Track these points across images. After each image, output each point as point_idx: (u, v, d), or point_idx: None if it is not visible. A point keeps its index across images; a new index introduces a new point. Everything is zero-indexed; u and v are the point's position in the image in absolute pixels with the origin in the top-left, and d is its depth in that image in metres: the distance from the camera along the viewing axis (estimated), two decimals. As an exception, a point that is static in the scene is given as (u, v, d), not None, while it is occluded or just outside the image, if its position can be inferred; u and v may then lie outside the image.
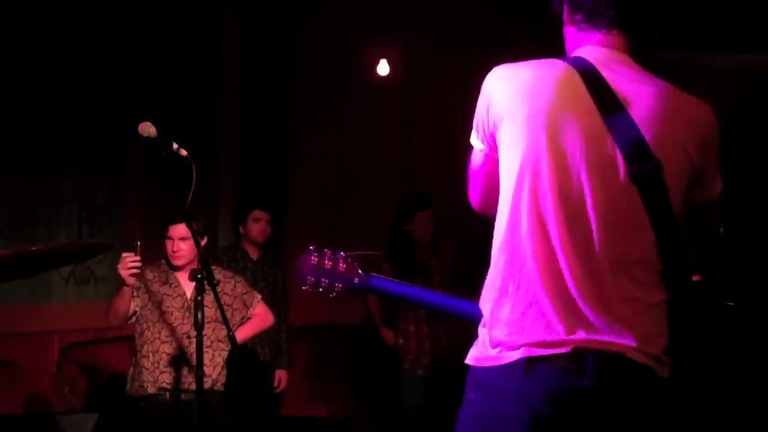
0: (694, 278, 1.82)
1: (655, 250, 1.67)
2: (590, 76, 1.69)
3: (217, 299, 3.12)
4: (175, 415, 3.57)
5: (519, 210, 1.68)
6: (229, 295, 3.82)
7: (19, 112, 5.10)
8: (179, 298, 3.70)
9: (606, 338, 1.63)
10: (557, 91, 1.68)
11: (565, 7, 1.82)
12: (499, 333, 1.69)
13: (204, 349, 3.14)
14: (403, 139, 6.32)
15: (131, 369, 3.71)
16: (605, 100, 1.67)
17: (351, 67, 6.21)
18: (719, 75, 5.46)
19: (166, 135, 2.97)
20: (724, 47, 5.42)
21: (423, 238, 4.61)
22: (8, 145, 5.08)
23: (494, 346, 1.70)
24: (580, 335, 1.63)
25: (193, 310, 3.13)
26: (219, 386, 3.72)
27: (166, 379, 3.59)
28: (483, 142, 1.80)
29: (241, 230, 4.76)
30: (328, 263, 2.14)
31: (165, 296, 3.69)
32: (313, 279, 2.13)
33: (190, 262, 3.65)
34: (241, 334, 3.80)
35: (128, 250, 3.38)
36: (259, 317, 3.98)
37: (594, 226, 1.64)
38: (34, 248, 2.81)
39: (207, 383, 3.58)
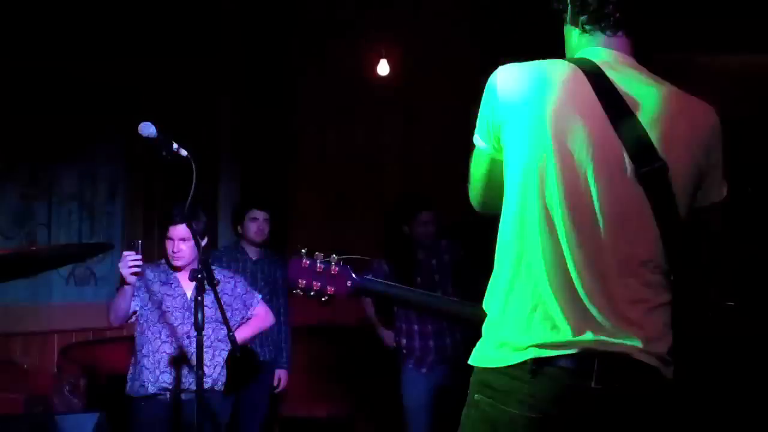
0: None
1: (661, 250, 1.67)
2: (596, 77, 1.69)
3: (217, 299, 3.12)
4: (175, 414, 3.57)
5: (525, 210, 1.68)
6: (229, 295, 3.82)
7: (19, 112, 5.10)
8: (179, 298, 3.70)
9: (613, 339, 1.63)
10: (563, 91, 1.68)
11: (569, 7, 1.81)
12: (505, 333, 1.69)
13: (204, 349, 3.13)
14: (403, 139, 6.32)
15: (131, 369, 3.71)
16: (612, 101, 1.68)
17: (351, 67, 6.21)
18: (719, 75, 5.46)
19: (166, 135, 2.97)
20: (724, 47, 5.42)
21: (424, 239, 4.60)
22: (8, 145, 5.08)
23: (500, 346, 1.70)
24: (587, 336, 1.63)
25: (193, 310, 3.13)
26: (219, 386, 3.72)
27: (166, 378, 3.59)
28: (486, 142, 1.79)
29: (240, 230, 4.77)
30: (320, 267, 2.12)
31: (165, 296, 3.69)
32: (304, 282, 2.11)
33: (191, 263, 3.65)
34: (241, 334, 3.80)
35: (129, 250, 3.38)
36: (259, 317, 3.98)
37: (601, 226, 1.64)
38: (34, 248, 2.81)
39: (207, 383, 3.58)
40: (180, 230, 3.62)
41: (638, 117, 1.67)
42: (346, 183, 6.33)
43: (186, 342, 3.60)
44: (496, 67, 1.78)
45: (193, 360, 3.32)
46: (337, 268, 2.13)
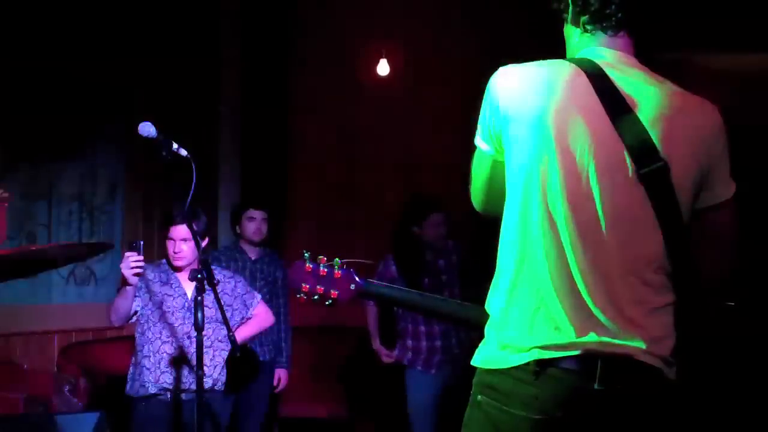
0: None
1: (663, 251, 1.67)
2: (597, 77, 1.69)
3: (217, 299, 3.12)
4: (175, 414, 3.57)
5: (528, 211, 1.68)
6: (229, 295, 3.82)
7: (19, 112, 5.10)
8: (180, 298, 3.70)
9: (616, 340, 1.62)
10: (564, 91, 1.68)
11: (569, 7, 1.81)
12: (508, 335, 1.69)
13: (204, 349, 3.13)
14: (403, 139, 6.32)
15: (132, 369, 3.71)
16: (612, 100, 1.67)
17: (351, 67, 6.21)
18: (719, 75, 5.46)
19: (166, 135, 2.97)
20: (725, 47, 5.42)
21: (434, 240, 4.59)
22: (8, 144, 5.08)
23: (502, 347, 1.69)
24: (591, 337, 1.63)
25: (193, 311, 3.12)
26: (219, 386, 3.72)
27: (167, 379, 3.59)
28: (488, 143, 1.79)
29: (238, 230, 4.78)
30: (323, 270, 2.11)
31: (166, 296, 3.69)
32: (308, 286, 2.10)
33: (191, 263, 3.65)
34: (241, 334, 3.80)
35: (131, 250, 3.38)
36: (259, 317, 3.98)
37: (603, 227, 1.64)
38: (34, 248, 2.82)
39: (207, 383, 3.58)
40: (181, 230, 3.62)
41: (639, 117, 1.67)
42: (346, 183, 6.33)
43: (186, 342, 3.60)
44: (496, 68, 1.78)
45: (194, 360, 3.32)
46: (340, 272, 2.12)
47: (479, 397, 1.72)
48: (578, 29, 1.81)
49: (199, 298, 3.00)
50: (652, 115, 1.67)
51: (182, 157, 2.99)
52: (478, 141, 1.82)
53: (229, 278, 3.89)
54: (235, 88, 6.15)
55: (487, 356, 1.73)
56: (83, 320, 5.24)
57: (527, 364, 1.65)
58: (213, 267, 3.18)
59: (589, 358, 1.62)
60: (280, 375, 4.74)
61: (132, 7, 5.46)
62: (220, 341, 3.69)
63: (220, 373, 3.71)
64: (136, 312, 3.65)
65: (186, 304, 3.67)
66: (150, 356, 3.60)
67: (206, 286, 3.01)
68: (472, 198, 1.94)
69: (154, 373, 3.58)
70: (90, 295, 5.44)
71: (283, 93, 6.25)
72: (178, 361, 3.60)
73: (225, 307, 3.25)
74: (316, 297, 2.11)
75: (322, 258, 2.14)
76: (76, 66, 5.28)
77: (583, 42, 1.80)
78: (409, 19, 6.07)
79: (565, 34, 1.86)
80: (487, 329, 1.75)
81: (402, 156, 6.34)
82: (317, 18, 6.26)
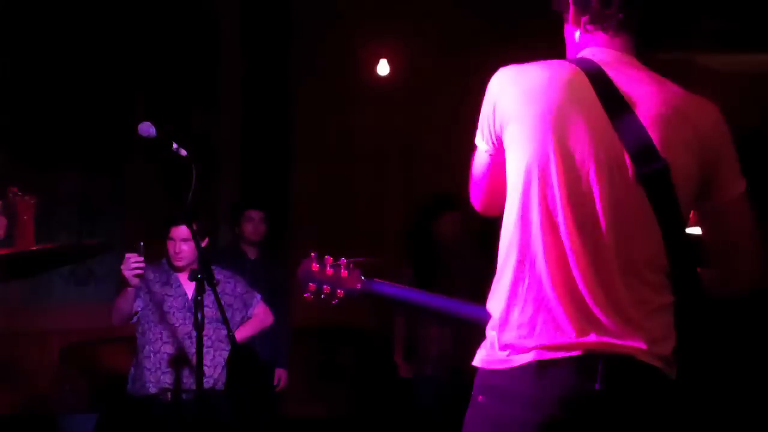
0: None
1: (663, 251, 1.67)
2: (597, 77, 1.69)
3: (217, 299, 3.12)
4: (175, 414, 3.57)
5: (528, 211, 1.68)
6: (230, 295, 3.82)
7: (19, 112, 5.10)
8: (180, 298, 3.70)
9: (617, 341, 1.62)
10: (564, 92, 1.68)
11: (570, 7, 1.80)
12: (509, 335, 1.68)
13: (205, 349, 3.14)
14: (403, 139, 6.32)
15: (132, 369, 3.71)
16: (612, 101, 1.67)
17: (351, 67, 6.21)
18: (719, 75, 5.46)
19: (166, 135, 2.97)
20: (725, 47, 5.42)
21: (449, 239, 4.57)
22: (8, 144, 5.08)
23: (503, 348, 1.69)
24: (591, 337, 1.62)
25: (193, 310, 3.13)
26: (219, 386, 3.72)
27: (167, 379, 3.59)
28: (488, 144, 1.79)
29: (237, 231, 4.78)
30: (329, 270, 2.15)
31: (166, 297, 3.69)
32: (315, 286, 2.14)
33: (192, 263, 3.65)
34: (241, 334, 3.80)
35: (131, 251, 3.38)
36: (259, 317, 3.98)
37: (603, 227, 1.64)
38: (34, 248, 2.81)
39: (208, 383, 3.59)
40: (182, 231, 3.62)
41: (639, 118, 1.66)
42: (347, 183, 6.32)
43: (187, 342, 3.60)
44: (496, 68, 1.78)
45: (194, 360, 3.32)
46: (346, 272, 2.15)
47: (480, 397, 1.72)
48: (579, 29, 1.81)
49: (199, 298, 3.00)
50: (652, 115, 1.67)
51: (182, 157, 3.00)
52: (479, 141, 1.82)
53: (229, 278, 3.89)
54: (235, 88, 6.15)
55: (487, 357, 1.73)
56: (83, 320, 5.23)
57: (528, 364, 1.64)
58: (213, 267, 3.19)
59: (590, 359, 1.62)
60: (280, 375, 4.74)
61: (132, 7, 5.46)
62: (220, 341, 3.69)
63: (220, 373, 3.71)
64: (136, 312, 3.65)
65: (186, 304, 3.68)
66: (150, 357, 3.61)
67: (206, 286, 3.02)
68: (472, 198, 1.95)
69: (154, 374, 3.59)
70: (90, 295, 5.44)
71: (282, 93, 6.24)
72: (179, 361, 3.60)
73: (225, 307, 3.25)
74: (322, 296, 2.14)
75: (329, 258, 2.16)
76: (76, 66, 5.28)
77: (584, 42, 1.80)
78: (409, 19, 6.06)
79: (566, 34, 1.86)
80: (488, 330, 1.75)
81: (402, 156, 6.34)
82: (317, 18, 6.26)
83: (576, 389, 1.62)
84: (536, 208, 1.66)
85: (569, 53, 1.85)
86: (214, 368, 3.68)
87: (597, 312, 1.63)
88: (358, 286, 2.15)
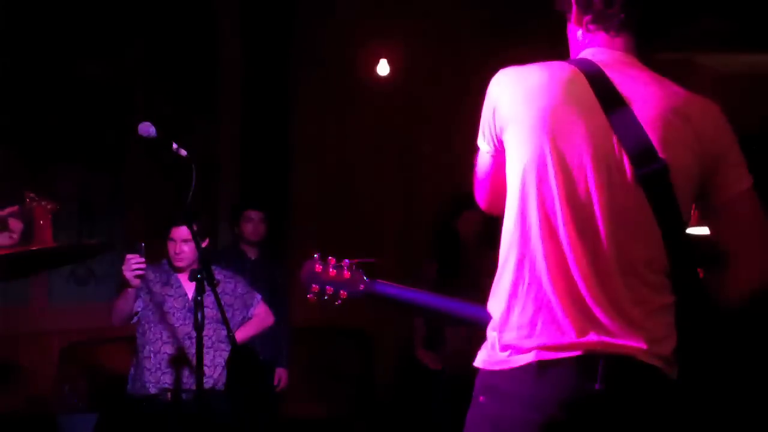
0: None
1: (663, 251, 1.67)
2: (596, 77, 1.69)
3: (218, 299, 3.12)
4: (175, 415, 3.57)
5: (527, 212, 1.68)
6: (230, 295, 3.82)
7: (18, 111, 5.09)
8: (180, 298, 3.70)
9: (617, 341, 1.63)
10: (563, 93, 1.68)
11: (573, 7, 1.81)
12: (509, 336, 1.69)
13: (205, 350, 3.14)
14: (403, 140, 6.32)
15: (132, 369, 3.71)
16: (611, 102, 1.67)
17: (351, 67, 6.21)
18: (719, 75, 5.46)
19: (166, 135, 2.97)
20: (725, 47, 5.42)
21: (471, 237, 4.60)
22: (8, 144, 5.08)
23: (504, 349, 1.69)
24: (591, 338, 1.63)
25: (194, 311, 3.13)
26: (220, 386, 3.72)
27: (167, 379, 3.59)
28: (490, 145, 1.80)
29: (237, 231, 4.79)
30: (332, 271, 2.16)
31: (166, 297, 3.69)
32: (318, 287, 2.16)
33: (192, 263, 3.66)
34: (242, 334, 3.80)
35: (132, 252, 3.38)
36: (259, 317, 3.99)
37: (602, 228, 1.64)
38: (34, 248, 2.81)
39: (208, 383, 3.59)
40: (182, 231, 3.62)
41: (638, 118, 1.66)
42: (347, 183, 6.32)
43: (187, 343, 3.61)
44: (497, 69, 1.78)
45: (194, 360, 3.32)
46: (349, 272, 2.17)
47: (481, 398, 1.73)
48: (581, 29, 1.81)
49: (200, 298, 3.01)
50: (651, 116, 1.67)
51: (182, 157, 3.00)
52: (480, 142, 1.83)
53: (230, 278, 3.89)
54: (234, 88, 6.15)
55: (488, 357, 1.73)
56: (83, 320, 5.23)
57: (528, 364, 1.65)
58: (213, 267, 3.19)
59: (590, 359, 1.62)
60: (281, 375, 4.74)
61: (132, 7, 5.46)
62: (220, 341, 3.69)
63: (220, 374, 3.71)
64: (136, 313, 3.65)
65: (186, 305, 3.68)
66: (150, 357, 3.61)
67: (206, 287, 3.02)
68: (477, 198, 1.97)
69: (154, 374, 3.59)
70: (90, 295, 5.44)
71: (282, 93, 6.24)
72: (179, 361, 3.61)
73: (225, 308, 3.26)
74: (326, 297, 2.15)
75: (332, 259, 2.18)
76: (76, 65, 5.28)
77: (584, 42, 1.80)
78: (409, 19, 6.06)
79: (568, 35, 1.86)
80: (489, 330, 1.76)
81: (402, 156, 6.34)
82: (317, 18, 6.26)
83: (576, 389, 1.62)
84: (534, 209, 1.67)
85: (572, 53, 1.85)
86: (214, 368, 3.68)
87: (597, 312, 1.63)
88: (362, 287, 2.16)
